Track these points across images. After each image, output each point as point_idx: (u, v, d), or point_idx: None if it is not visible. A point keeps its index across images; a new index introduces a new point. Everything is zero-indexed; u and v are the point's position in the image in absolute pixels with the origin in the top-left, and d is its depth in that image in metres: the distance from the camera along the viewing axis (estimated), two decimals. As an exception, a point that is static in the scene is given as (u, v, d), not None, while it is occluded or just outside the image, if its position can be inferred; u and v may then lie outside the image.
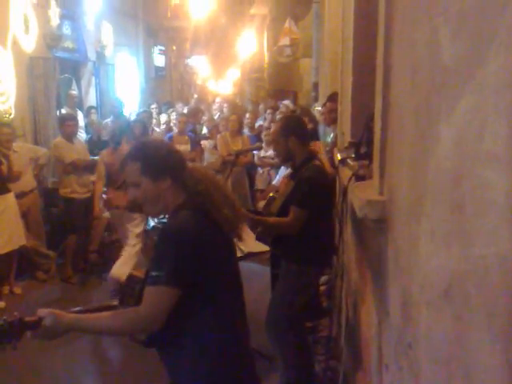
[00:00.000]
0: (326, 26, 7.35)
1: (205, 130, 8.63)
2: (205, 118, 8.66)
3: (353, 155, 2.79)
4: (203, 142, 7.83)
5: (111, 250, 6.88)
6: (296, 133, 3.44)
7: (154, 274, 1.87)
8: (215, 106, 10.47)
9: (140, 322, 1.89)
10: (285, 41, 10.14)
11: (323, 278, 5.18)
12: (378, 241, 2.13)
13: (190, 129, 8.24)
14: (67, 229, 6.16)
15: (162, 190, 2.02)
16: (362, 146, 2.74)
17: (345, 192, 2.66)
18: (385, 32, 1.99)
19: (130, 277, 2.22)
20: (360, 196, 2.15)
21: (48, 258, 6.14)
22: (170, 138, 7.58)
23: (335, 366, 3.85)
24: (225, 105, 9.67)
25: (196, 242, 1.92)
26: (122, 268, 4.80)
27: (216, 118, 9.20)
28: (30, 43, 7.18)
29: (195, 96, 14.54)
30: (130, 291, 2.10)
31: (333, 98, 5.35)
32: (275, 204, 3.65)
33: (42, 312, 1.90)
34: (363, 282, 2.78)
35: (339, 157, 3.06)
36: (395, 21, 1.88)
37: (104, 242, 6.86)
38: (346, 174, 2.81)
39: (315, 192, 3.32)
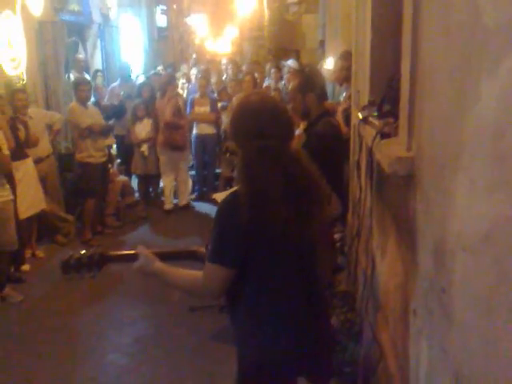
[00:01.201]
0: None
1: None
2: (213, 80, 8.66)
3: (375, 113, 2.86)
4: (222, 104, 7.86)
5: (126, 213, 7.04)
6: (314, 89, 3.49)
7: (209, 251, 1.99)
8: (220, 67, 10.43)
9: (202, 293, 2.08)
10: (293, -2, 10.00)
11: (336, 236, 5.31)
12: (407, 197, 2.21)
13: (211, 89, 8.31)
14: (84, 193, 6.28)
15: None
16: (385, 104, 2.81)
17: (370, 150, 2.74)
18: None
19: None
20: (388, 153, 2.24)
21: (67, 222, 6.28)
22: (191, 101, 7.62)
23: (353, 318, 4.03)
24: (229, 66, 9.64)
25: (240, 225, 1.86)
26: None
27: (223, 79, 9.19)
28: (37, 7, 7.11)
29: (194, 56, 14.37)
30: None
31: (345, 56, 5.36)
32: None
33: (137, 250, 2.11)
34: (386, 237, 2.89)
35: (360, 116, 3.11)
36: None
37: (119, 206, 7.00)
38: (368, 132, 2.88)
39: (326, 147, 3.36)
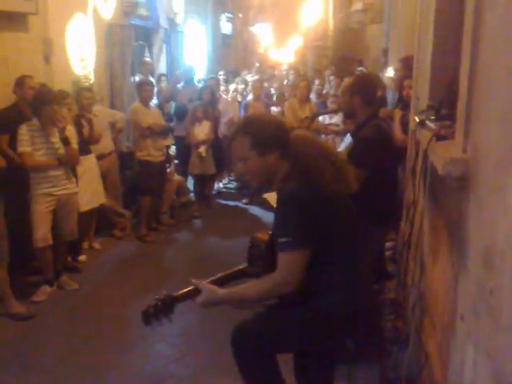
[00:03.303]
0: (400, -10, 7.20)
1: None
2: (275, 85, 8.75)
3: (433, 117, 2.83)
4: (272, 109, 7.93)
5: (180, 212, 7.20)
6: (361, 93, 3.49)
7: (283, 240, 2.03)
8: (282, 73, 10.57)
9: (279, 286, 2.08)
10: (357, 5, 9.99)
11: (388, 244, 5.24)
12: (460, 198, 2.19)
13: (265, 94, 8.40)
14: (142, 190, 6.48)
15: (269, 163, 2.15)
16: (443, 108, 2.77)
17: (425, 153, 2.71)
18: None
19: (254, 239, 2.36)
20: (443, 154, 2.22)
21: (124, 217, 6.49)
22: (246, 105, 7.73)
23: (401, 326, 3.96)
24: (291, 71, 9.69)
25: (313, 202, 2.07)
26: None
27: (284, 83, 9.30)
28: (108, 11, 7.43)
29: (257, 64, 14.57)
30: (256, 253, 2.30)
31: (406, 62, 5.30)
32: None
33: (196, 283, 2.18)
34: (437, 241, 2.84)
35: (417, 119, 3.08)
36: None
37: (174, 205, 7.16)
38: (425, 135, 2.84)
39: (372, 151, 3.34)
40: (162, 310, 2.16)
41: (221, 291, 2.17)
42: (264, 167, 2.16)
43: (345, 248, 2.20)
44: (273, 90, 8.82)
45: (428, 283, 3.06)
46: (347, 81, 3.92)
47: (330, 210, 2.15)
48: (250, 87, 8.61)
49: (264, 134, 2.15)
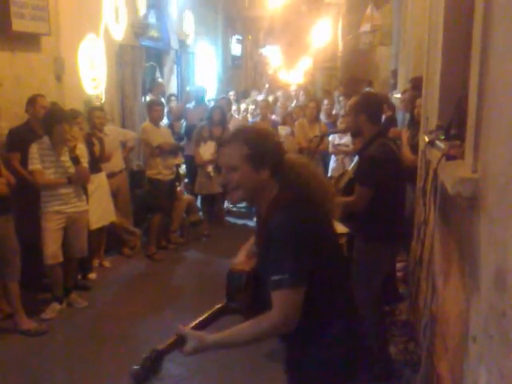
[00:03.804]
0: (408, 11, 7.26)
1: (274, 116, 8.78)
2: (278, 103, 8.81)
3: (442, 137, 2.83)
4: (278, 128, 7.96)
5: (190, 230, 7.21)
6: (367, 112, 3.49)
7: (277, 277, 1.86)
8: (291, 93, 10.65)
9: (277, 327, 1.91)
10: (366, 27, 10.05)
11: (399, 265, 5.20)
12: (470, 218, 2.17)
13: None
14: (152, 208, 6.50)
15: (260, 179, 1.98)
16: (452, 128, 2.77)
17: (434, 172, 2.70)
18: (484, 9, 2.02)
19: (232, 272, 2.18)
20: (452, 174, 2.21)
21: (134, 235, 6.50)
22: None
23: (413, 347, 3.91)
24: (301, 92, 9.74)
25: (309, 233, 1.92)
26: None
27: (293, 105, 9.33)
28: (119, 32, 7.54)
29: (266, 86, 14.71)
30: (237, 286, 2.11)
31: (416, 82, 5.32)
32: (342, 180, 3.75)
33: (182, 331, 1.97)
34: (448, 262, 2.81)
35: (426, 139, 3.08)
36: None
37: (183, 223, 7.17)
38: (434, 155, 2.84)
39: (378, 170, 3.32)
40: (150, 368, 2.01)
41: (210, 338, 1.96)
42: (254, 182, 1.98)
43: (336, 276, 2.08)
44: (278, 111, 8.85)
45: (440, 304, 3.03)
46: (353, 100, 3.92)
47: (322, 234, 2.01)
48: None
49: (263, 147, 1.98)
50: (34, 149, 4.51)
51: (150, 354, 1.94)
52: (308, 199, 2.00)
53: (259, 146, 1.98)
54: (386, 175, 3.34)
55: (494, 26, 1.94)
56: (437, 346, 2.91)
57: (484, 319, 1.91)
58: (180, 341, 1.97)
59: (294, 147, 7.20)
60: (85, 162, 4.79)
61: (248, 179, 1.98)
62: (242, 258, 2.26)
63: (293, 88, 11.29)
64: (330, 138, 7.13)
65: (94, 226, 5.54)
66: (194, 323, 2.07)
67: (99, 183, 5.69)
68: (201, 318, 2.10)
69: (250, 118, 8.92)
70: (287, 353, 2.17)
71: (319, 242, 1.96)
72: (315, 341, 2.03)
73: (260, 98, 10.07)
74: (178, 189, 7.09)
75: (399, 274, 5.17)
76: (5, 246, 4.19)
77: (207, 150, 7.33)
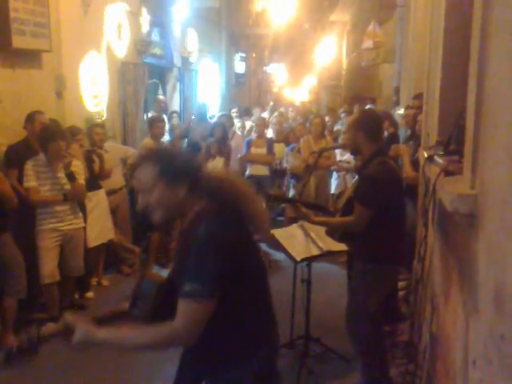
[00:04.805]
0: (410, 29, 7.26)
1: (271, 133, 8.76)
2: (274, 120, 8.83)
3: (441, 152, 2.76)
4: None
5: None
6: (365, 129, 3.44)
7: (189, 286, 1.80)
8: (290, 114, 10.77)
9: (178, 337, 1.84)
10: (368, 44, 10.05)
11: (401, 284, 5.11)
12: (468, 236, 2.10)
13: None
14: (151, 226, 6.43)
15: (177, 196, 1.94)
16: (451, 143, 2.71)
17: (433, 189, 2.63)
18: (481, 24, 1.98)
19: (146, 278, 2.14)
20: (450, 190, 2.14)
21: (133, 253, 6.43)
22: (249, 142, 7.74)
23: (414, 370, 3.80)
24: (290, 108, 9.76)
25: (231, 248, 1.86)
26: None
27: (286, 126, 9.35)
28: (122, 49, 7.56)
29: (271, 103, 14.74)
30: (143, 294, 2.05)
31: (420, 98, 5.29)
32: (341, 199, 3.68)
33: (71, 320, 1.90)
34: (448, 281, 2.74)
35: (426, 154, 3.02)
36: (494, 13, 1.87)
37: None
38: (433, 170, 2.78)
39: (378, 190, 3.25)
40: (26, 350, 1.92)
41: (101, 332, 1.87)
42: (171, 200, 1.93)
43: (258, 296, 2.04)
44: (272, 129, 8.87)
45: (440, 325, 2.94)
46: (352, 117, 3.87)
47: (245, 251, 1.96)
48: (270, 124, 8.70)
49: (174, 164, 1.96)
50: (29, 166, 4.49)
51: (31, 334, 1.87)
52: (232, 215, 1.94)
53: (169, 165, 1.95)
54: (386, 195, 3.28)
55: (490, 44, 1.90)
56: (437, 369, 2.81)
57: (483, 343, 1.83)
58: (66, 330, 1.88)
59: (300, 164, 7.15)
60: (81, 178, 4.75)
61: (164, 198, 1.94)
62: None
63: (290, 109, 11.32)
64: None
65: (93, 243, 5.48)
66: (90, 317, 2.00)
67: (98, 200, 5.64)
68: (99, 315, 2.06)
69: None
70: (195, 364, 2.10)
71: (241, 257, 1.90)
72: (231, 359, 1.98)
73: (264, 115, 10.06)
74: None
75: (401, 293, 5.07)
76: (7, 263, 4.18)
77: (215, 167, 7.28)
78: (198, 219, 1.92)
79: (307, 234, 4.06)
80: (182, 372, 2.16)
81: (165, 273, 2.21)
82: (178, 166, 1.96)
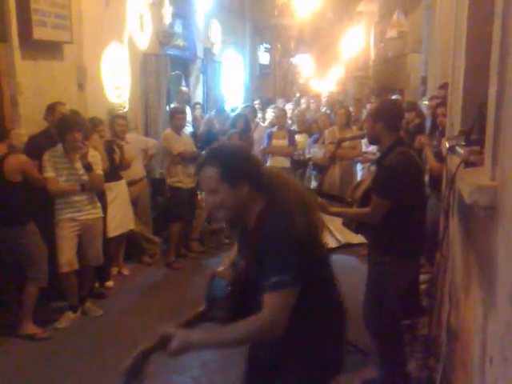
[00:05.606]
0: (437, 18, 7.09)
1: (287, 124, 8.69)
2: (295, 111, 8.74)
3: (463, 142, 2.67)
4: (296, 137, 7.84)
5: (210, 239, 7.13)
6: (384, 119, 3.35)
7: (276, 278, 1.87)
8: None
9: (269, 328, 1.89)
10: (392, 33, 9.85)
11: (423, 277, 5.00)
12: (488, 229, 2.03)
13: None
14: (172, 217, 6.44)
15: (241, 195, 2.00)
16: (473, 133, 2.61)
17: (452, 180, 2.54)
18: (502, 15, 1.90)
19: (217, 276, 2.16)
20: (470, 181, 2.06)
21: (153, 244, 6.46)
22: (269, 134, 7.67)
23: (433, 364, 3.72)
24: (311, 100, 9.74)
25: (303, 236, 1.93)
26: None
27: (308, 117, 9.28)
28: (144, 40, 7.56)
29: (297, 95, 14.63)
30: (219, 293, 2.08)
31: (443, 88, 5.17)
32: (359, 190, 3.59)
33: (165, 331, 1.95)
34: (468, 275, 2.65)
35: (447, 145, 2.92)
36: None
37: (204, 231, 7.10)
38: (454, 161, 2.69)
39: (396, 181, 3.17)
40: (136, 369, 1.94)
41: (196, 335, 1.94)
42: (236, 200, 2.01)
43: (328, 282, 2.14)
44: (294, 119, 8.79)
45: (460, 320, 2.86)
46: (372, 106, 3.79)
47: (315, 242, 2.04)
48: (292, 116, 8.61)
49: (233, 164, 2.01)
50: (46, 156, 4.52)
51: (136, 357, 1.91)
52: (295, 208, 2.00)
53: (230, 164, 2.01)
54: (403, 187, 3.18)
55: (511, 35, 1.81)
56: (455, 365, 2.73)
57: (500, 339, 1.75)
58: (164, 340, 1.94)
59: (326, 156, 7.04)
60: (98, 169, 4.76)
61: (228, 198, 2.01)
62: (226, 266, 2.23)
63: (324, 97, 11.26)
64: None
65: (112, 233, 5.52)
66: (179, 321, 2.08)
67: (119, 191, 5.67)
68: (180, 321, 2.10)
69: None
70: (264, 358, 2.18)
71: (313, 247, 1.99)
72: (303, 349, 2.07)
73: (288, 106, 9.95)
74: (199, 197, 7.02)
75: (423, 287, 4.97)
76: (31, 252, 4.32)
77: None
78: (269, 214, 1.99)
79: (325, 227, 3.99)
80: (253, 371, 2.27)
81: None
82: (240, 167, 2.02)
